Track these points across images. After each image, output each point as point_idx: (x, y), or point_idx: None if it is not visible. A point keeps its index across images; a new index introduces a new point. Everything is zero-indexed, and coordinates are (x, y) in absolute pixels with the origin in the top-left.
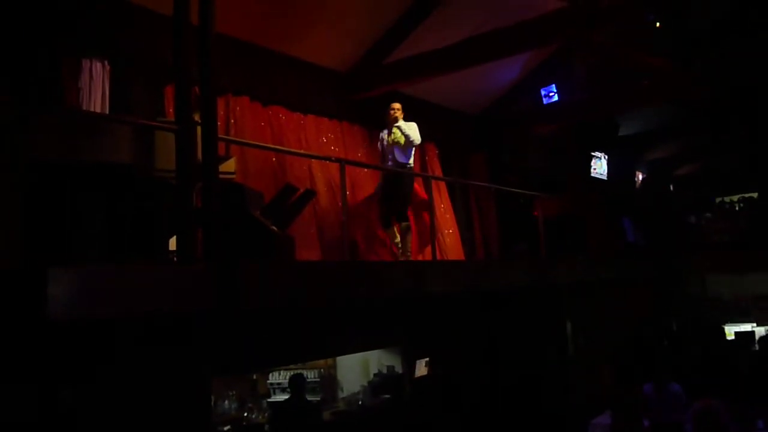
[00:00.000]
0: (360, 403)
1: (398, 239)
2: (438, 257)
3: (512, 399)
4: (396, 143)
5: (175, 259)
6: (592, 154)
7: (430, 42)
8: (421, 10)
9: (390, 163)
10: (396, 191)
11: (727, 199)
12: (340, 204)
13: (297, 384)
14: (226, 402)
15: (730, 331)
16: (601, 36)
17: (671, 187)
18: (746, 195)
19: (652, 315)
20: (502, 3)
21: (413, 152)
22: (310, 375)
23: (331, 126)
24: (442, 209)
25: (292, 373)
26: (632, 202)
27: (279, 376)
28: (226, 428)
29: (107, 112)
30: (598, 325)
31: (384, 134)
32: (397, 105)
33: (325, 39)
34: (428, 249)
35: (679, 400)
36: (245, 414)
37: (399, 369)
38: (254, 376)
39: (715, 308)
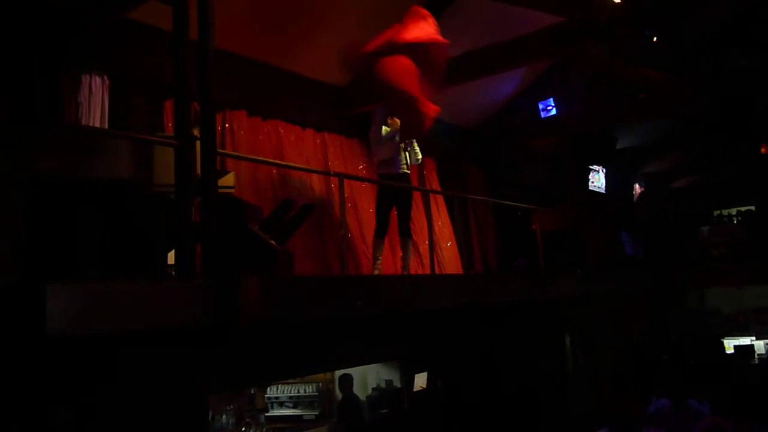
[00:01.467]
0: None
1: (379, 252)
2: (436, 271)
3: (511, 412)
4: (412, 153)
5: (173, 274)
6: (590, 167)
7: None
8: None
9: (402, 165)
10: (406, 200)
11: (725, 212)
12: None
13: (349, 383)
14: (224, 417)
15: (729, 344)
16: (598, 50)
17: (669, 200)
18: (743, 208)
19: (651, 328)
20: (499, 18)
21: None
22: (309, 389)
23: (329, 140)
24: (440, 224)
25: (341, 374)
26: (630, 215)
27: (277, 391)
28: None
29: (106, 127)
30: (596, 338)
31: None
32: None
33: (323, 54)
34: (427, 263)
35: (700, 417)
36: (243, 429)
37: (397, 383)
38: (252, 391)
39: (714, 322)
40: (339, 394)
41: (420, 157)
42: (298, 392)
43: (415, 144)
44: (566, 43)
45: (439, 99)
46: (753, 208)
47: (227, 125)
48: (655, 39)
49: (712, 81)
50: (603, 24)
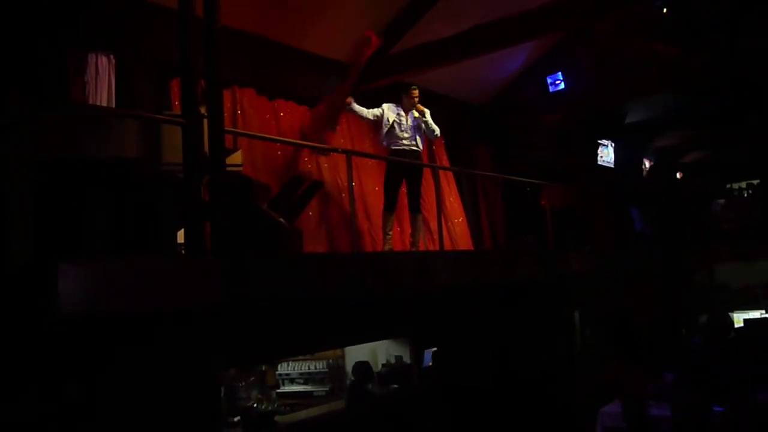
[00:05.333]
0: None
1: (389, 227)
2: (448, 246)
3: (520, 389)
4: (427, 129)
5: (183, 252)
6: (599, 142)
7: (435, 32)
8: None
9: (405, 142)
10: (415, 176)
11: (735, 185)
12: (345, 195)
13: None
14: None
15: (739, 318)
16: (608, 23)
17: (679, 175)
18: (755, 182)
19: (661, 304)
20: None
21: None
22: (319, 366)
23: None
24: (451, 200)
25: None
26: (640, 191)
27: (288, 368)
28: (236, 419)
29: (114, 106)
30: (605, 315)
31: (396, 113)
32: (417, 90)
33: (330, 30)
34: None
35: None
36: (255, 405)
37: (407, 359)
38: (263, 368)
39: (723, 296)
40: (351, 377)
41: (437, 131)
42: (309, 369)
43: (429, 118)
44: (575, 16)
45: (447, 75)
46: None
47: (235, 103)
48: (665, 11)
49: (724, 55)
50: None
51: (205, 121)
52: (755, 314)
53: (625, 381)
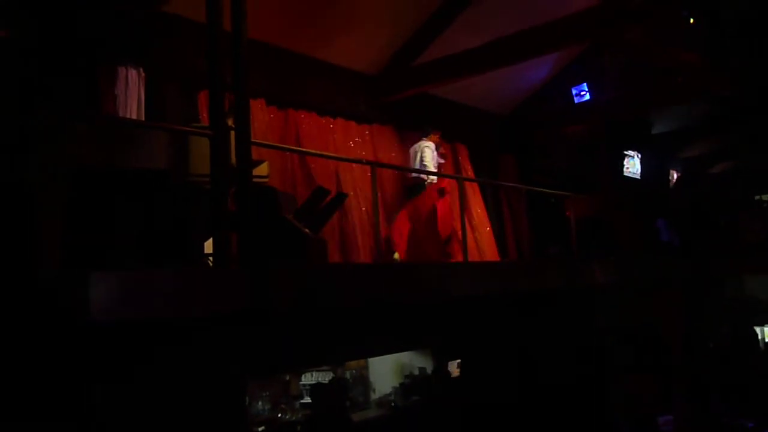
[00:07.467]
0: (392, 404)
1: None
2: (475, 256)
3: (545, 401)
4: None
5: (210, 262)
6: (625, 153)
7: (458, 43)
8: (450, 11)
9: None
10: None
11: (764, 197)
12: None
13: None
14: (260, 403)
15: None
16: (633, 33)
17: (706, 186)
18: None
19: (687, 315)
20: (531, 2)
21: None
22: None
23: (360, 129)
24: (479, 210)
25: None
26: (666, 202)
27: (311, 378)
28: (260, 429)
29: (143, 118)
30: (630, 325)
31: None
32: None
33: (354, 42)
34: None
35: None
36: (279, 415)
37: (430, 370)
38: (287, 378)
39: (751, 308)
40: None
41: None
42: None
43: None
44: (601, 26)
45: (471, 86)
46: None
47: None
48: (692, 20)
49: (751, 63)
50: (637, 6)
51: (232, 132)
52: None
53: (637, 392)
